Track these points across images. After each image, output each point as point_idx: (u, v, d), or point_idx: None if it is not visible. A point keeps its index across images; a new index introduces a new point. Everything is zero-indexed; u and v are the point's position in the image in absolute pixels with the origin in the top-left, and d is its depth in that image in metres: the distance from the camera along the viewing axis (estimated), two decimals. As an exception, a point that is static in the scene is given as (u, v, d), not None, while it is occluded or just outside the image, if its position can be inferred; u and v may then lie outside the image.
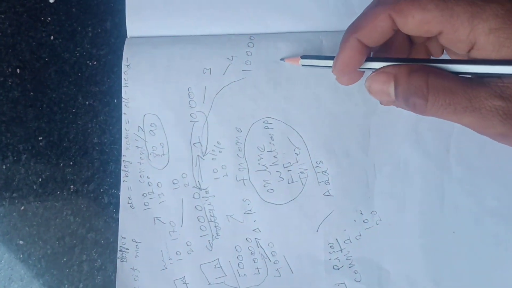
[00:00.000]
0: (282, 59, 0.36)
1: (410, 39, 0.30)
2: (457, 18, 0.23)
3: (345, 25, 0.36)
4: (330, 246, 0.35)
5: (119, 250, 0.37)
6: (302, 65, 0.33)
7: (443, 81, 0.24)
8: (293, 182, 0.36)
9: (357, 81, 0.31)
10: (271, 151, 0.36)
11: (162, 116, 0.37)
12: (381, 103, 0.31)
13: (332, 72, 0.30)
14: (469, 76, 0.25)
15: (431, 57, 0.30)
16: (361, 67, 0.28)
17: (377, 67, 0.27)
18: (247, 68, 0.36)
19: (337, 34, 0.36)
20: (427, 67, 0.25)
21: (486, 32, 0.23)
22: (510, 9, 0.22)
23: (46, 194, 0.39)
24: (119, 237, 0.37)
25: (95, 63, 0.39)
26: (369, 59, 0.28)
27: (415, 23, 0.25)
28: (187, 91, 0.37)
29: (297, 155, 0.36)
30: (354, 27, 0.27)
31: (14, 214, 0.40)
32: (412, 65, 0.26)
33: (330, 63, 0.30)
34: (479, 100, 0.23)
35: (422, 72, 0.25)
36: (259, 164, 0.36)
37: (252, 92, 0.36)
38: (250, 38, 0.37)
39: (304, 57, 0.33)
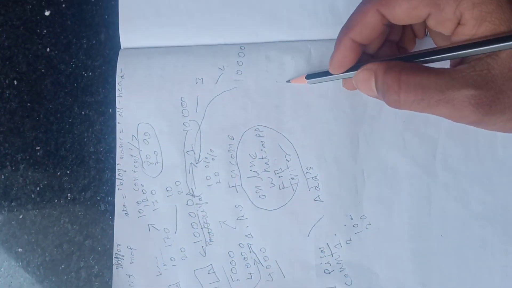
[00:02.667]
0: (288, 81, 0.37)
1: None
2: None
3: (333, 34, 0.37)
4: (321, 250, 0.36)
5: (115, 257, 0.38)
6: (310, 83, 0.35)
7: (415, 77, 0.25)
8: (284, 188, 0.37)
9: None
10: (262, 158, 0.37)
11: (156, 125, 0.38)
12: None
13: (328, 70, 0.31)
14: (447, 67, 0.26)
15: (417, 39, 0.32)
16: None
17: None
18: (238, 77, 0.37)
19: (325, 43, 0.37)
20: (402, 63, 0.26)
21: (470, 7, 0.23)
22: None
23: (44, 202, 0.40)
24: (115, 244, 0.38)
25: (90, 74, 0.40)
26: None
27: (403, 11, 0.26)
28: (180, 101, 0.38)
29: (288, 161, 0.37)
30: (346, 28, 0.28)
31: (13, 222, 0.41)
32: (389, 62, 0.27)
33: (334, 76, 0.32)
34: (452, 91, 0.24)
35: (395, 69, 0.26)
36: (251, 170, 0.37)
37: (243, 100, 0.37)
38: (241, 48, 0.38)
39: (308, 76, 0.35)
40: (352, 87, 0.33)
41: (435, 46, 0.30)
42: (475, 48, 0.24)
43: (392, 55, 0.30)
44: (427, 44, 0.32)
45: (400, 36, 0.32)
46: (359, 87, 0.29)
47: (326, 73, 0.32)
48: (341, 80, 0.34)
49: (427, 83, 0.25)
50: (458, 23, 0.25)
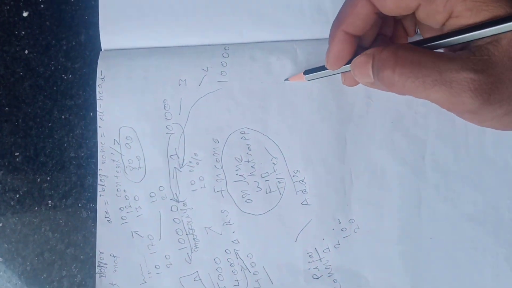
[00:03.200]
0: (286, 79, 0.36)
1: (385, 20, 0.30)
2: None
3: (319, 34, 0.36)
4: (309, 255, 0.35)
5: (98, 265, 0.37)
6: (308, 80, 0.34)
7: (412, 54, 0.24)
8: (271, 192, 0.36)
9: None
10: (248, 162, 0.36)
11: (138, 129, 0.37)
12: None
13: (325, 66, 0.30)
14: (442, 51, 0.25)
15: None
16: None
17: None
18: (223, 79, 0.36)
19: (311, 43, 0.36)
20: (400, 43, 0.26)
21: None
22: None
23: (24, 210, 0.39)
24: (97, 252, 0.37)
25: (70, 76, 0.39)
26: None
27: (393, 2, 0.25)
28: (162, 103, 0.37)
29: (275, 164, 0.36)
30: (338, 21, 0.28)
31: (-8, 231, 0.39)
32: (389, 45, 0.26)
33: (333, 71, 0.31)
34: (450, 73, 0.23)
35: (393, 47, 0.25)
36: (236, 174, 0.36)
37: (228, 102, 0.36)
38: (225, 49, 0.37)
39: (306, 72, 0.33)
40: (352, 82, 0.32)
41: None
42: (476, 31, 0.23)
43: None
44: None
45: (392, 32, 0.31)
46: (355, 73, 0.28)
47: (324, 68, 0.31)
48: (332, 78, 0.33)
49: (424, 61, 0.24)
50: (450, 16, 0.24)
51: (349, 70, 0.30)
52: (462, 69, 0.23)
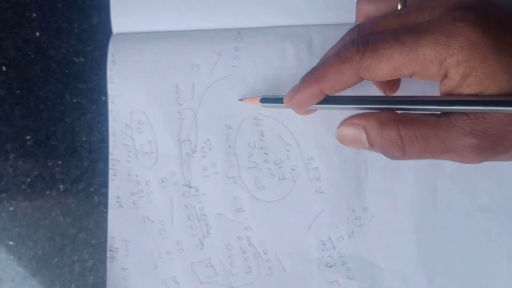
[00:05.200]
0: (240, 100, 0.35)
1: None
2: (425, 58, 0.23)
3: (335, 18, 0.36)
4: (323, 243, 0.35)
5: (109, 250, 0.37)
6: (263, 107, 0.33)
7: (415, 131, 0.25)
8: (284, 179, 0.36)
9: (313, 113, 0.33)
10: (261, 148, 0.36)
11: (150, 113, 0.36)
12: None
13: (284, 103, 0.30)
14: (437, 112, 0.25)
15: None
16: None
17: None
18: (236, 63, 0.36)
19: (327, 28, 0.35)
20: (394, 116, 0.26)
21: (454, 65, 0.23)
22: (474, 40, 0.22)
23: (35, 194, 0.39)
24: (109, 237, 0.37)
25: (81, 59, 0.39)
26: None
27: (384, 73, 0.25)
28: (175, 88, 0.36)
29: (288, 151, 0.36)
30: (318, 77, 0.27)
31: (3, 214, 0.39)
32: (379, 114, 0.26)
33: None
34: (452, 141, 0.24)
35: (391, 124, 0.25)
36: (249, 161, 0.36)
37: (241, 88, 0.36)
38: (238, 33, 0.36)
39: (264, 100, 0.33)
40: (306, 112, 0.32)
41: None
42: (462, 106, 0.24)
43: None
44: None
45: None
46: (343, 142, 0.29)
47: (282, 101, 0.31)
48: None
49: (427, 135, 0.24)
50: (445, 77, 0.24)
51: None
52: (462, 136, 0.24)
